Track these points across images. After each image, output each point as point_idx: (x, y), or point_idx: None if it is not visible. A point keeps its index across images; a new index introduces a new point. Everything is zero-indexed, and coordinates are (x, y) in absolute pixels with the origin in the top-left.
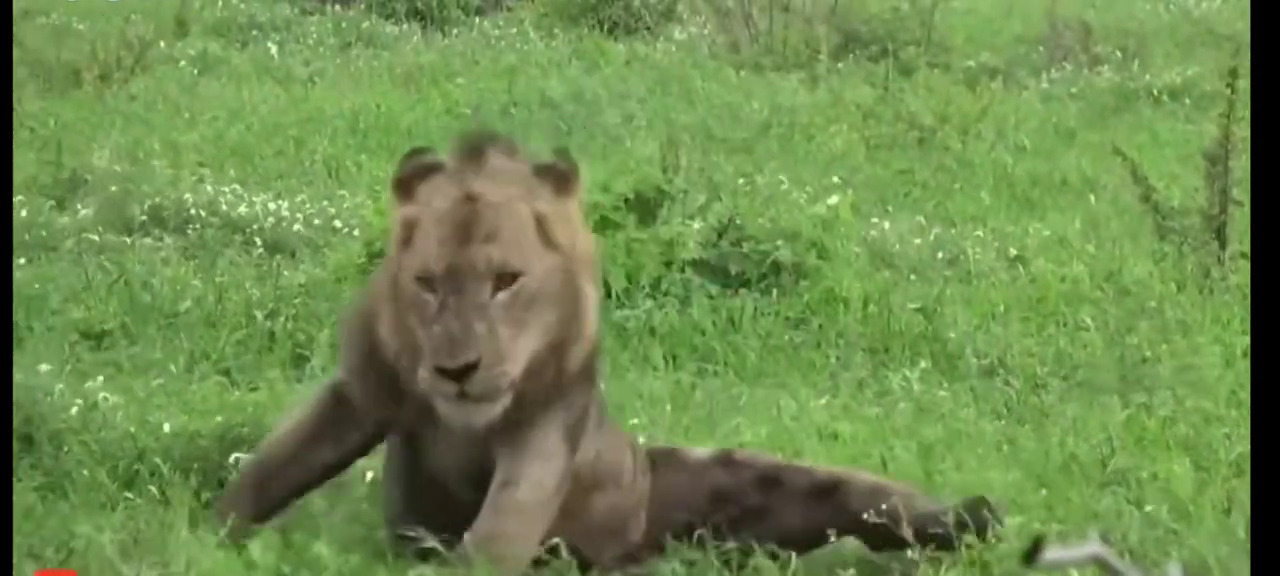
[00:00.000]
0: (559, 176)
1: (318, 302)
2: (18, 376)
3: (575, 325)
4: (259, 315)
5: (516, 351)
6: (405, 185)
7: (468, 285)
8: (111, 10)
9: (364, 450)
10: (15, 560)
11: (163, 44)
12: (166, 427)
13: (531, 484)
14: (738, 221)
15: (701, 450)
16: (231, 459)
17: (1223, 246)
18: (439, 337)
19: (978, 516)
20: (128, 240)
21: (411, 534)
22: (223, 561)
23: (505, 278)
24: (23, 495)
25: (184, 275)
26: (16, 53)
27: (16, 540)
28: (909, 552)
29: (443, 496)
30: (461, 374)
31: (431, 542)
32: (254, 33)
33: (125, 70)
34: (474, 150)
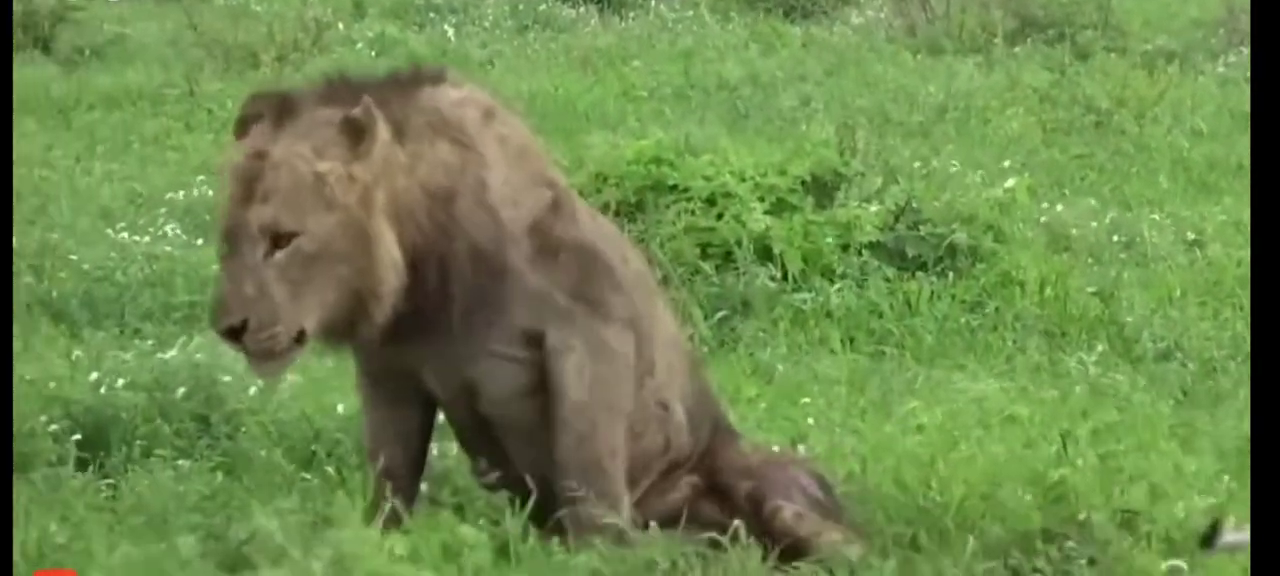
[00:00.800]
0: (354, 131)
1: None
2: (199, 356)
3: (371, 278)
4: None
5: (300, 310)
6: (241, 128)
7: (243, 246)
8: None
9: (427, 397)
10: (192, 541)
11: (340, 26)
12: (341, 409)
13: (569, 384)
14: (914, 204)
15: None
16: None
17: None
18: (213, 299)
19: None
20: None
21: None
22: (396, 543)
23: (281, 238)
24: (201, 476)
25: None
26: (190, 35)
27: (195, 519)
28: None
29: (456, 424)
30: (235, 334)
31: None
32: (431, 15)
33: (303, 52)
34: (288, 104)
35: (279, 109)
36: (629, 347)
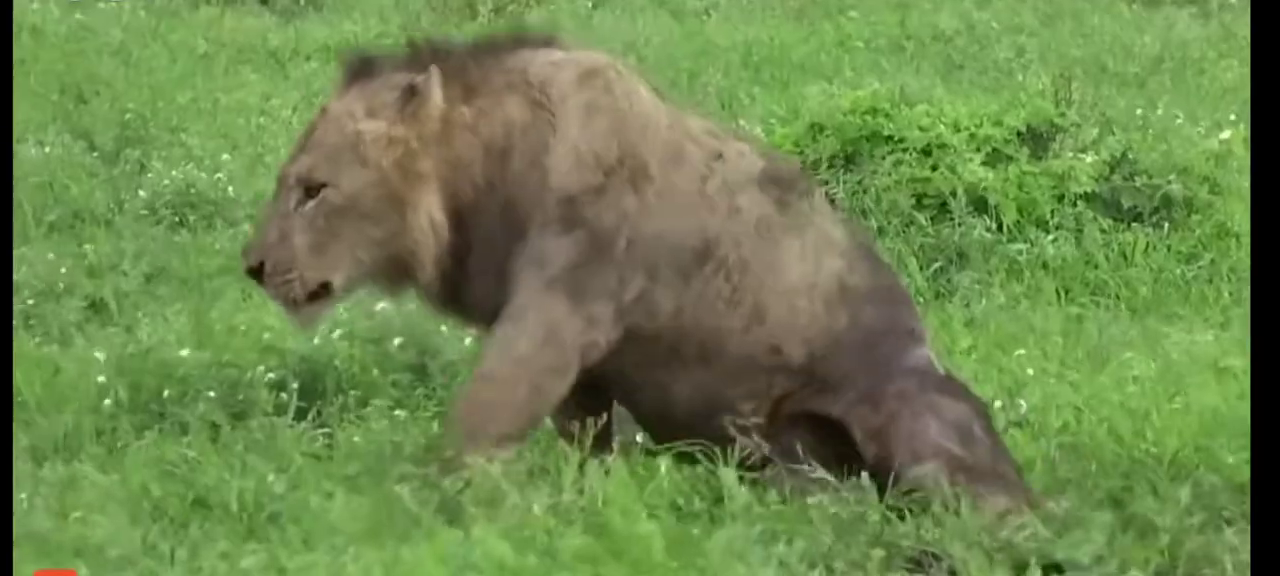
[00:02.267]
0: (406, 98)
1: None
2: (414, 307)
3: (405, 239)
4: None
5: (323, 262)
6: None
7: (281, 192)
8: None
9: None
10: (409, 490)
11: None
12: None
13: (496, 349)
14: (1130, 155)
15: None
16: None
17: None
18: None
19: None
20: None
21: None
22: (620, 485)
23: (311, 188)
24: (417, 426)
25: None
26: None
27: (412, 469)
28: None
29: None
30: (255, 275)
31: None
32: None
33: (521, 2)
34: (366, 65)
35: (356, 69)
36: (577, 343)
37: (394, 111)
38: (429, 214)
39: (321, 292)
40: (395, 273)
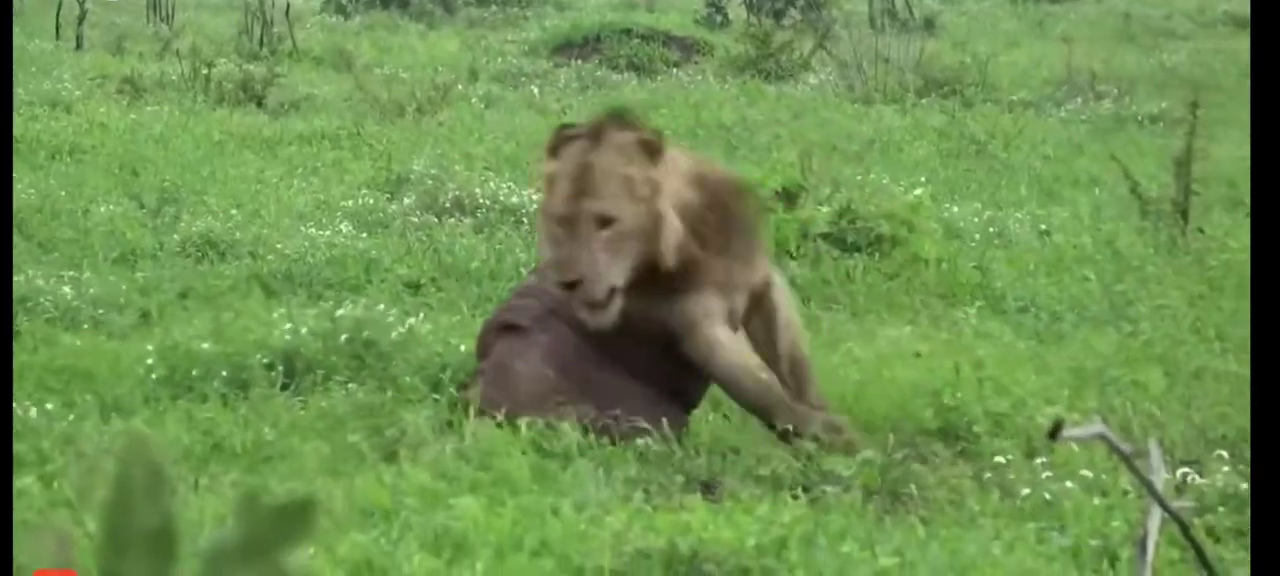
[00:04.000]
0: (649, 148)
1: None
2: (359, 312)
3: (659, 247)
4: (524, 271)
5: (614, 272)
6: (553, 149)
7: (579, 227)
8: (426, 64)
9: None
10: (361, 438)
11: (460, 86)
12: (462, 348)
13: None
14: (852, 207)
15: None
16: None
17: (1185, 223)
18: (556, 262)
19: None
20: (436, 220)
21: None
22: (502, 435)
23: (605, 221)
24: (364, 394)
25: (474, 244)
26: (358, 94)
27: (362, 423)
28: None
29: None
30: (570, 287)
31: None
32: (522, 78)
33: (435, 104)
34: (597, 128)
35: (592, 131)
36: None
37: (643, 158)
38: (674, 225)
39: (612, 296)
40: (641, 273)
